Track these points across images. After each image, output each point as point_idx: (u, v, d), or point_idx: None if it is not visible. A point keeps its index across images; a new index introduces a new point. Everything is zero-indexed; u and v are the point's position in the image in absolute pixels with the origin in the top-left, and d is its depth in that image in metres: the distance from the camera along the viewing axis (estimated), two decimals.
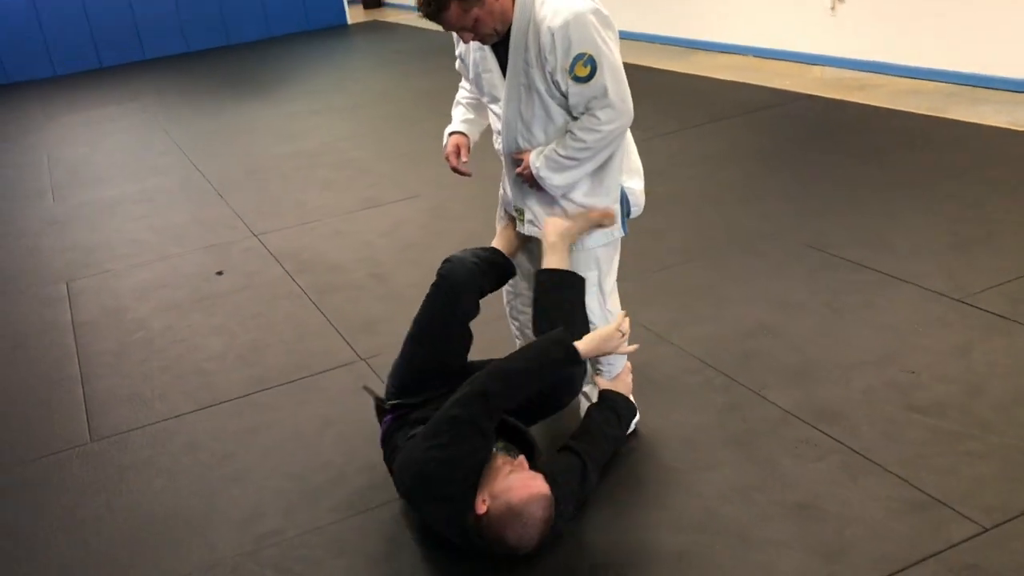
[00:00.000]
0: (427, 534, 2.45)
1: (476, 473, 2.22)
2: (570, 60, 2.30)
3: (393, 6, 14.64)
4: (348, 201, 5.34)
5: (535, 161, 2.48)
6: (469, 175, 2.74)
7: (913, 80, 6.39)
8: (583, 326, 2.54)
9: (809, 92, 6.43)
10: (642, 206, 2.74)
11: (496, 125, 2.59)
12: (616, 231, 2.65)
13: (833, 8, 7.03)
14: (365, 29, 12.31)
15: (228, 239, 4.97)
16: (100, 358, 3.78)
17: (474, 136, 2.80)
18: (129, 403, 3.39)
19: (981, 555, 2.17)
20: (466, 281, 2.54)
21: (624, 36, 9.79)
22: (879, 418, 2.74)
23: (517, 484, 2.18)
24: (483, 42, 2.40)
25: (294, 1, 12.57)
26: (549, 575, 2.28)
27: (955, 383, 2.86)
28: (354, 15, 13.47)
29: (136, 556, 2.55)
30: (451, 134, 2.77)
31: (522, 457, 2.32)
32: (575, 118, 2.42)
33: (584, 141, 2.40)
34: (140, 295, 4.38)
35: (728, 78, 7.13)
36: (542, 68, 2.35)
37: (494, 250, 2.71)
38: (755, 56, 7.76)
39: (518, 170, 2.55)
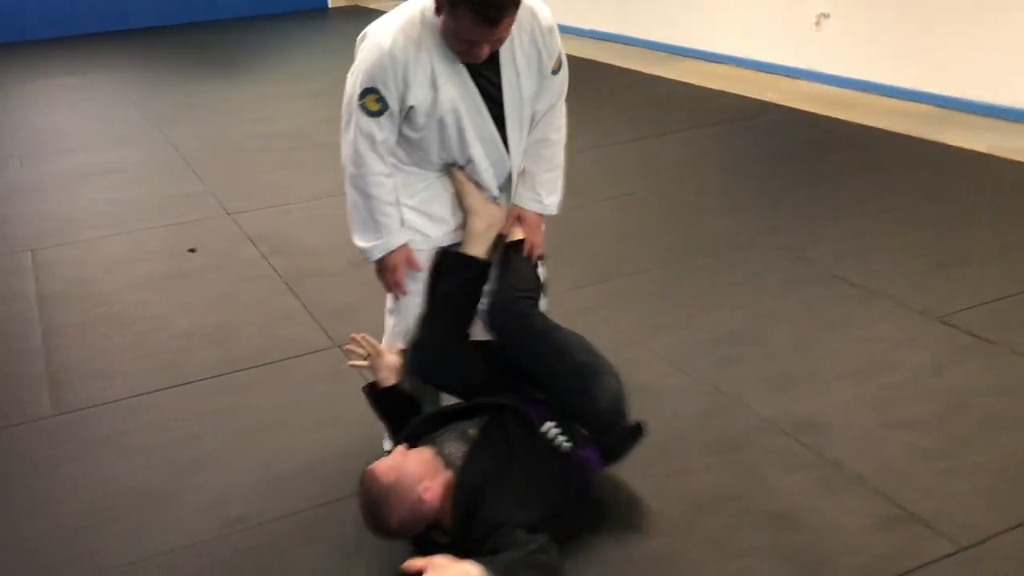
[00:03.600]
0: None
1: None
2: (556, 56, 2.35)
3: None
4: (323, 185, 5.26)
5: (545, 203, 2.52)
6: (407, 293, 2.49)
7: (896, 100, 6.44)
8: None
9: (793, 105, 6.45)
10: None
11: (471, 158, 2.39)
12: None
13: (817, 23, 7.06)
14: (346, 13, 12.20)
15: (200, 216, 4.87)
16: (64, 331, 3.68)
17: None
18: (93, 378, 3.30)
19: (956, 572, 2.17)
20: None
21: (609, 38, 9.69)
22: (858, 432, 2.74)
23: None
24: (484, 57, 2.19)
25: None
26: None
27: (932, 401, 2.87)
28: None
29: (100, 536, 2.47)
30: (395, 251, 2.40)
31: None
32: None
33: (562, 140, 2.45)
34: (108, 268, 4.27)
35: (713, 86, 7.14)
36: (539, 70, 2.32)
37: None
38: (741, 67, 7.78)
39: (536, 242, 2.55)
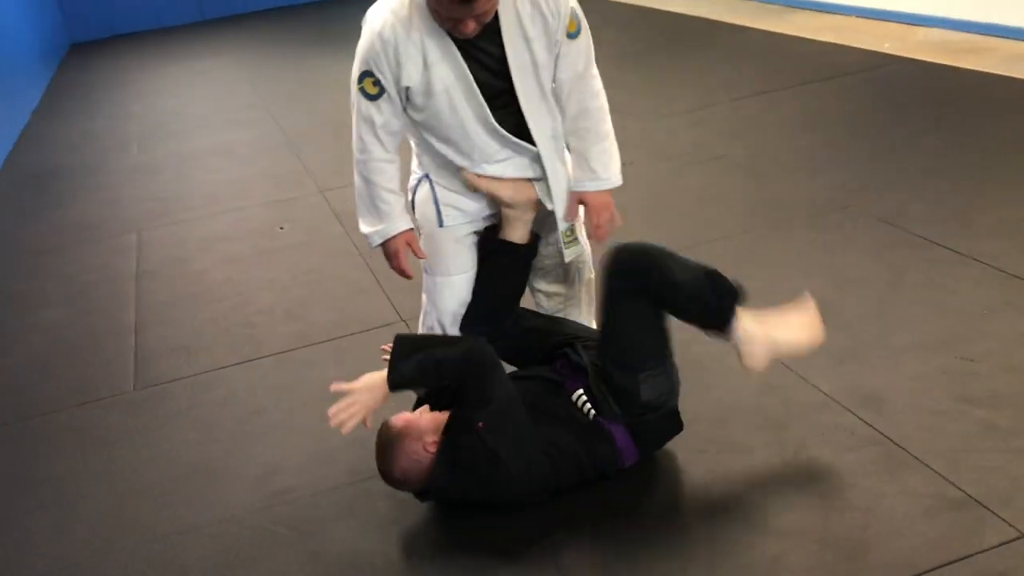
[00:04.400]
0: (435, 503, 2.41)
1: None
2: (568, 17, 2.23)
3: None
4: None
5: (602, 177, 2.40)
6: (412, 276, 2.50)
7: None
8: None
9: (910, 55, 6.05)
10: None
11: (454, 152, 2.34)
12: None
13: None
14: None
15: (295, 194, 5.01)
16: (156, 308, 3.87)
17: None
18: (175, 354, 3.45)
19: (1013, 562, 2.01)
20: None
21: None
22: (926, 408, 2.56)
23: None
24: (473, 32, 2.10)
25: None
26: (558, 551, 2.21)
27: (1016, 374, 2.65)
28: None
29: (157, 507, 2.59)
30: (395, 237, 2.38)
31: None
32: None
33: (603, 107, 2.32)
34: (204, 247, 4.45)
35: (825, 39, 6.78)
36: (547, 36, 2.22)
37: None
38: (858, 16, 7.36)
39: (602, 223, 2.44)
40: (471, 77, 2.19)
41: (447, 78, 2.18)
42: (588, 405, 2.25)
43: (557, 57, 2.29)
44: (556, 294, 2.66)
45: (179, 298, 3.93)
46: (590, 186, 2.40)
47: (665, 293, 2.25)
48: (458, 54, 2.16)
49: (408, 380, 2.27)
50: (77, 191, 5.61)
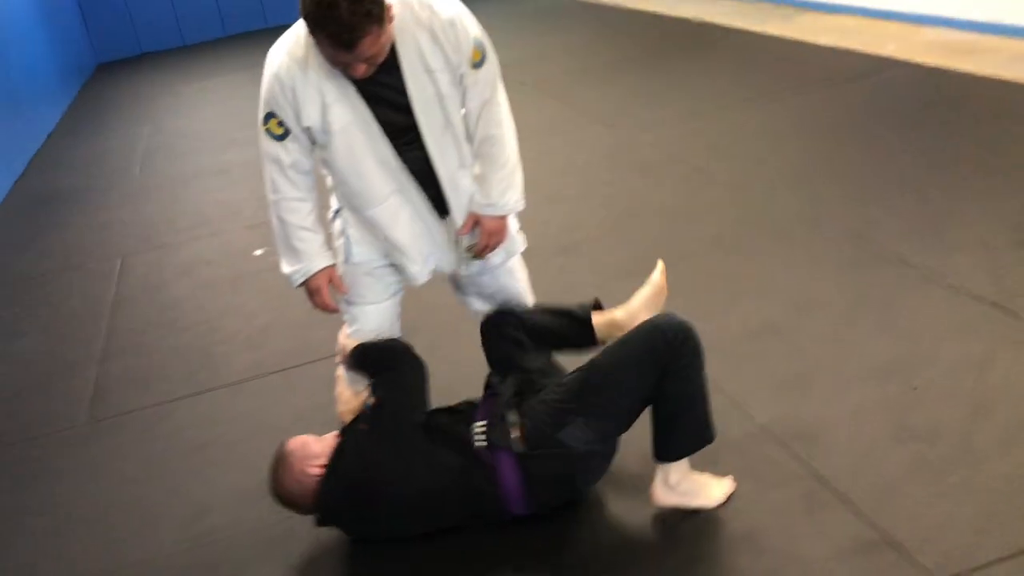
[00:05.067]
0: (355, 543, 2.38)
1: None
2: (471, 47, 2.20)
3: None
4: None
5: (498, 204, 2.39)
6: (337, 311, 2.50)
7: None
8: None
9: (911, 59, 5.90)
10: None
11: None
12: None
13: None
14: None
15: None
16: (125, 336, 3.90)
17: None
18: (134, 385, 3.47)
19: None
20: None
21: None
22: (862, 442, 2.47)
23: None
24: (367, 75, 2.09)
25: None
26: None
27: (959, 403, 2.55)
28: None
29: (84, 545, 2.60)
30: (316, 274, 2.37)
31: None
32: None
33: (506, 135, 2.33)
34: (183, 271, 4.49)
35: (826, 43, 6.64)
36: (450, 68, 2.19)
37: None
38: (864, 16, 7.20)
39: (489, 245, 2.43)
40: (371, 116, 2.17)
41: (345, 118, 2.16)
42: (483, 435, 2.20)
43: (464, 88, 2.26)
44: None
45: (149, 326, 3.96)
46: (487, 211, 2.40)
47: (674, 384, 2.22)
48: (356, 94, 2.14)
49: (351, 365, 2.47)
50: (74, 215, 5.69)
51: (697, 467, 2.46)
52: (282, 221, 2.32)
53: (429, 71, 2.17)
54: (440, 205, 2.35)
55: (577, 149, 5.33)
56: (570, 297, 3.50)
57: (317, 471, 2.21)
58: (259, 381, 3.35)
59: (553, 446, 2.19)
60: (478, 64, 2.26)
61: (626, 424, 2.26)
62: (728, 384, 2.81)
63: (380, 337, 2.49)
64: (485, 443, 2.18)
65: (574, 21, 9.45)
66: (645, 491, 2.31)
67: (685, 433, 2.24)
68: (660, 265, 2.65)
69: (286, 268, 2.38)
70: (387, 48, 2.07)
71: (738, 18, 7.88)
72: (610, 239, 4.03)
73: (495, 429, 2.20)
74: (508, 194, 2.42)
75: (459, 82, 2.25)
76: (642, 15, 8.98)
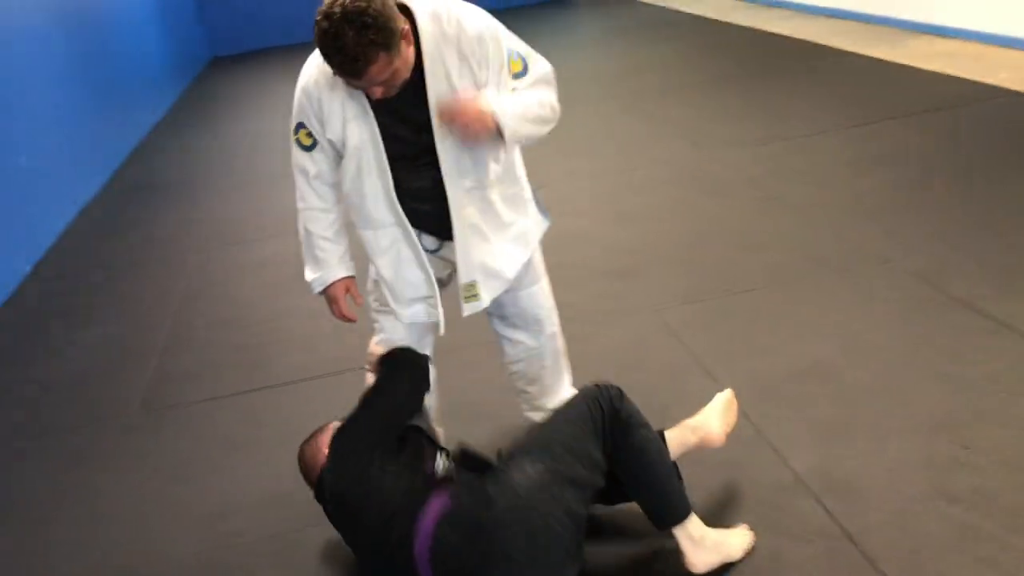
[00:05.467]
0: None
1: None
2: (505, 60, 2.15)
3: None
4: None
5: (498, 105, 2.08)
6: (355, 320, 2.49)
7: None
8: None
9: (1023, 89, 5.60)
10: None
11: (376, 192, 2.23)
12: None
13: None
14: (593, 5, 12.15)
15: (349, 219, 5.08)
16: (188, 330, 4.01)
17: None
18: (187, 379, 3.57)
19: None
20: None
21: (838, 15, 8.98)
22: (898, 500, 2.34)
23: None
24: (389, 95, 2.06)
25: None
26: None
27: (1012, 469, 2.38)
28: None
29: (115, 537, 2.68)
30: (333, 284, 2.38)
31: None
32: None
33: (543, 105, 2.19)
34: (252, 270, 4.59)
35: (935, 68, 6.35)
36: (476, 85, 2.14)
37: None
38: (980, 42, 6.87)
39: (452, 114, 2.08)
40: (380, 139, 2.15)
41: (360, 137, 2.16)
42: (441, 462, 2.20)
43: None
44: (519, 342, 2.59)
45: (212, 321, 4.06)
46: (479, 99, 2.10)
47: (629, 447, 2.16)
48: (371, 115, 2.13)
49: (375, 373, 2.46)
50: (165, 207, 5.89)
51: (727, 512, 2.38)
52: (306, 230, 2.35)
53: (453, 89, 2.13)
54: (446, 229, 2.30)
55: (656, 167, 5.23)
56: (620, 324, 3.46)
57: (327, 449, 2.24)
58: (306, 384, 3.40)
59: (487, 482, 2.07)
60: (520, 74, 2.20)
61: (573, 481, 2.06)
62: (768, 427, 2.71)
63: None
64: (445, 471, 2.17)
65: (677, 34, 9.31)
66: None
67: (677, 490, 2.19)
68: (728, 391, 2.50)
69: (308, 275, 2.41)
70: (406, 69, 2.05)
71: (847, 39, 7.62)
72: (672, 264, 3.94)
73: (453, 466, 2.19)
74: (511, 110, 2.12)
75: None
76: (747, 31, 8.78)
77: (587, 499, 2.11)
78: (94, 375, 3.73)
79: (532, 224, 2.41)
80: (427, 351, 2.56)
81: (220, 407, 3.33)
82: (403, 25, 1.98)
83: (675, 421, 2.76)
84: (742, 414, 2.78)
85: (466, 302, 2.34)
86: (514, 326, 2.56)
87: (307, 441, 2.35)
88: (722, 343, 3.24)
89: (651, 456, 2.16)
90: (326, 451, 2.24)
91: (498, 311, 2.54)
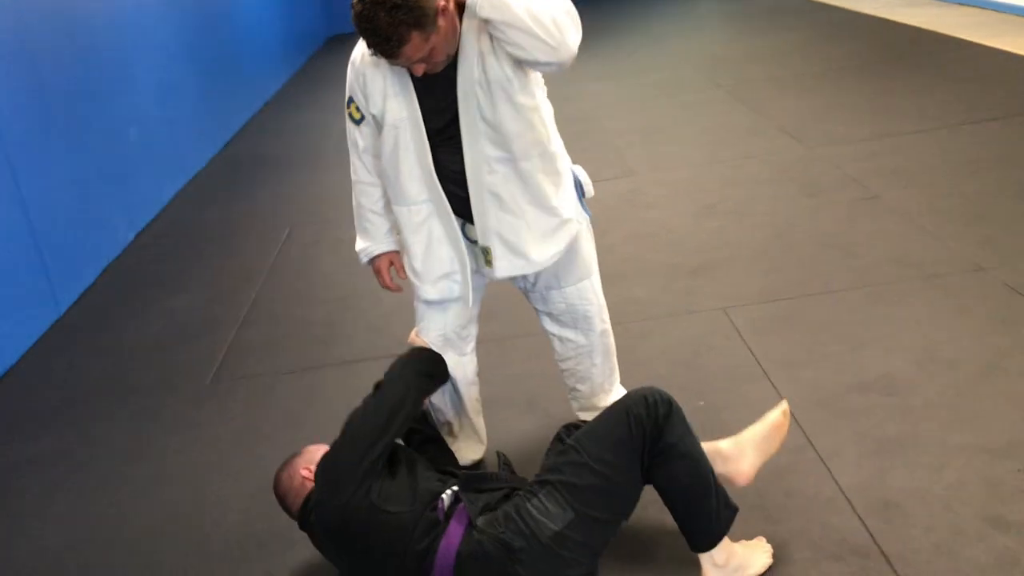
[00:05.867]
0: None
1: None
2: None
3: None
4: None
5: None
6: (401, 291, 2.55)
7: None
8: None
9: None
10: (591, 185, 2.44)
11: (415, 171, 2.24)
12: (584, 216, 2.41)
13: None
14: None
15: None
16: (268, 304, 4.13)
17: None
18: (260, 351, 3.68)
19: None
20: None
21: (976, 3, 8.52)
22: (946, 524, 2.21)
23: None
24: (434, 70, 2.08)
25: None
26: None
27: None
28: None
29: (165, 503, 2.79)
30: (378, 256, 2.46)
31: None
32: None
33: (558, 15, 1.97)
34: (334, 247, 4.69)
35: None
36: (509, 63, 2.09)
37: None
38: None
39: None
40: (420, 115, 2.16)
41: (399, 113, 2.17)
42: (447, 497, 2.08)
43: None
44: (569, 340, 2.57)
45: (291, 296, 4.17)
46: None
47: (670, 470, 2.04)
48: (412, 91, 2.14)
49: None
50: (265, 182, 6.08)
51: (759, 523, 2.31)
52: (358, 202, 2.42)
53: (481, 54, 2.09)
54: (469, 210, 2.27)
55: (751, 161, 5.08)
56: (684, 322, 3.38)
57: (307, 474, 2.21)
58: (370, 363, 3.45)
59: (505, 518, 1.98)
60: None
61: (604, 515, 2.01)
62: (819, 438, 2.60)
63: (445, 339, 2.48)
64: (449, 500, 2.06)
65: (795, 22, 9.01)
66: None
67: (712, 518, 2.07)
68: (783, 405, 2.30)
69: (357, 246, 2.48)
70: (448, 45, 2.03)
71: (973, 29, 7.21)
72: (748, 262, 3.82)
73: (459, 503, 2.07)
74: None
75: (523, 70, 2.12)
76: (868, 20, 8.42)
77: (614, 529, 2.06)
78: (175, 342, 3.88)
79: (572, 212, 2.32)
80: (471, 342, 2.55)
81: (285, 382, 3.42)
82: (440, 2, 1.96)
83: (724, 426, 2.70)
84: (794, 421, 2.69)
85: (486, 265, 2.33)
86: (563, 324, 2.53)
87: (282, 467, 2.29)
88: (788, 348, 3.12)
89: (684, 490, 2.05)
90: (303, 474, 2.21)
91: (547, 308, 2.52)
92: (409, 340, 2.53)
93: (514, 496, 2.03)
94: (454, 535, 1.97)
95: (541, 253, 2.28)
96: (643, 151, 5.52)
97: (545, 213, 2.25)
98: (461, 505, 2.04)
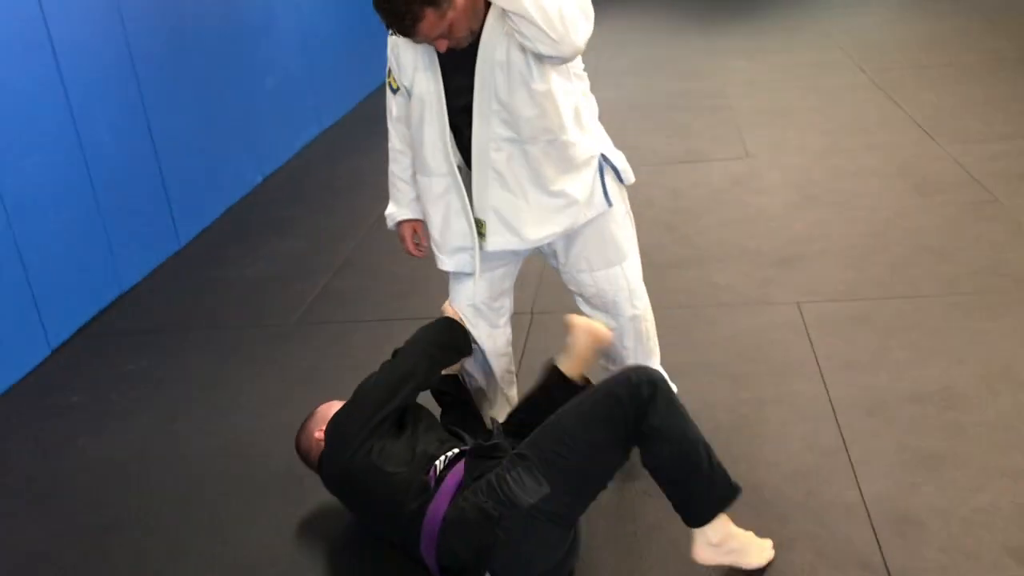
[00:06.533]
0: None
1: None
2: None
3: None
4: (663, 146, 5.20)
5: None
6: (423, 256, 2.60)
7: None
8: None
9: None
10: (631, 173, 2.43)
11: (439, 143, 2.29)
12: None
13: None
14: None
15: None
16: (365, 255, 4.33)
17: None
18: (345, 298, 3.90)
19: None
20: None
21: None
22: (963, 548, 2.13)
23: None
24: (459, 46, 2.12)
25: None
26: None
27: None
28: None
29: (234, 431, 3.01)
30: (402, 222, 2.54)
31: None
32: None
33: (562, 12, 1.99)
34: None
35: None
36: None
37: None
38: None
39: None
40: (443, 91, 2.22)
41: (425, 87, 2.23)
42: (441, 462, 2.16)
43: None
44: (600, 321, 2.59)
45: (386, 250, 4.28)
46: None
47: (657, 448, 2.05)
48: (438, 68, 2.20)
49: None
50: None
51: (768, 521, 2.29)
52: (390, 169, 2.52)
53: (508, 36, 2.11)
54: None
55: (872, 153, 4.88)
56: (755, 312, 3.33)
57: (319, 435, 2.34)
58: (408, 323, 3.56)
59: (488, 488, 2.03)
60: None
61: (581, 490, 2.05)
62: (856, 444, 2.54)
63: (476, 309, 2.53)
64: (436, 473, 2.13)
65: (974, 6, 8.43)
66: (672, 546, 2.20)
67: (702, 496, 2.07)
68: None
69: (387, 210, 2.58)
70: (470, 19, 2.07)
71: None
72: (838, 258, 3.70)
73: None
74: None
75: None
76: None
77: (589, 500, 2.09)
78: (273, 283, 4.12)
79: (582, 196, 2.31)
80: (504, 315, 2.60)
81: (361, 330, 3.58)
82: None
83: (764, 421, 2.68)
84: (834, 424, 2.63)
85: (481, 239, 2.36)
86: (594, 306, 2.56)
87: (300, 429, 2.44)
88: (852, 349, 3.04)
89: (668, 470, 2.06)
90: (316, 436, 2.35)
91: (579, 290, 2.55)
92: (442, 309, 2.61)
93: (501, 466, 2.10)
94: (442, 500, 2.06)
95: (536, 232, 2.30)
96: (765, 134, 5.38)
97: (546, 195, 2.27)
98: (453, 470, 2.12)
